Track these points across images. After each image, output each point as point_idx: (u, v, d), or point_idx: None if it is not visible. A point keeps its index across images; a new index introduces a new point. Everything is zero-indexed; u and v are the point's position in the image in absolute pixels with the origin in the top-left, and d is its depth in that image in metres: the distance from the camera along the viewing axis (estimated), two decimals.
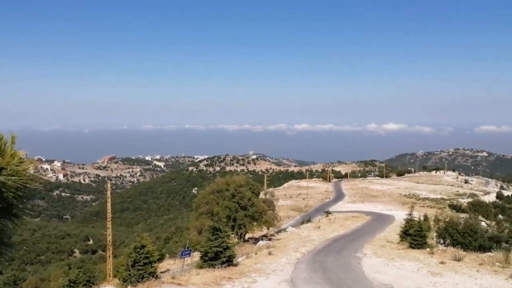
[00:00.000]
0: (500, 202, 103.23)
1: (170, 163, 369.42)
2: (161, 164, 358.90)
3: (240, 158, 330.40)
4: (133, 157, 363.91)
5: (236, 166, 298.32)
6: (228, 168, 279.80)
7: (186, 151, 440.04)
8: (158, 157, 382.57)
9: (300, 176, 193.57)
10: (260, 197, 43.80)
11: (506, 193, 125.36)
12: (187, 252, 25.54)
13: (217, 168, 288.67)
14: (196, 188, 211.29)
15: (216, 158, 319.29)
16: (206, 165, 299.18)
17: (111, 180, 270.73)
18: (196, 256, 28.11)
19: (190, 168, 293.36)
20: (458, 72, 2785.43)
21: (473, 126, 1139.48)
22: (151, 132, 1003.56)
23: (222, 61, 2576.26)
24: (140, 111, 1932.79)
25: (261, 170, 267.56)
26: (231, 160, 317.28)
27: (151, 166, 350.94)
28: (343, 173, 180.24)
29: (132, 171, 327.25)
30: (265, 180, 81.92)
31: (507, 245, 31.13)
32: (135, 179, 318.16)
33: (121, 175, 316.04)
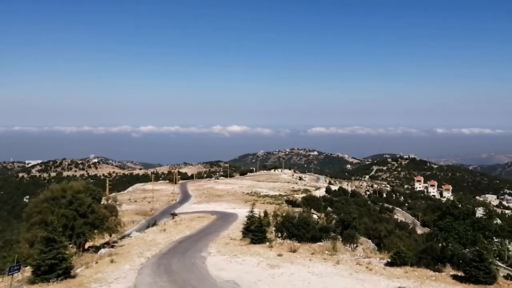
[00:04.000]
0: (329, 196, 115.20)
1: None
2: None
3: (79, 162, 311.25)
4: None
5: (75, 171, 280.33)
6: (65, 173, 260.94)
7: (15, 155, 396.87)
8: None
9: (145, 179, 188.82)
10: (102, 202, 41.48)
11: (333, 187, 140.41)
12: (16, 268, 22.89)
13: (53, 174, 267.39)
14: (28, 197, 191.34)
15: (51, 162, 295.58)
16: (39, 171, 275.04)
17: None
18: (28, 271, 25.41)
19: (20, 175, 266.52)
20: (293, 80, 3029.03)
21: (307, 128, 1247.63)
22: None
23: (56, 55, 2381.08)
24: None
25: (103, 174, 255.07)
26: (69, 165, 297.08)
27: None
28: (190, 174, 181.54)
29: None
30: (107, 184, 77.96)
31: (335, 234, 34.80)
32: None
33: None
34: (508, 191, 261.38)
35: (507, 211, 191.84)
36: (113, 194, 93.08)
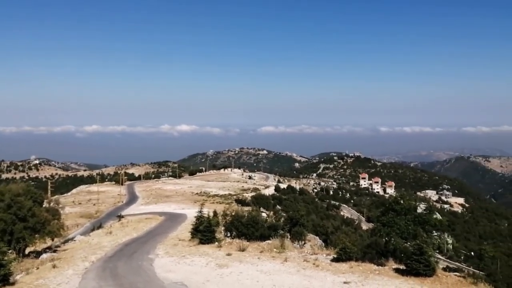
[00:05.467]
0: (277, 194, 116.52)
1: None
2: None
3: (19, 164, 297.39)
4: None
5: (15, 173, 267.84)
6: (4, 176, 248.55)
7: None
8: None
9: (90, 180, 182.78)
10: (43, 206, 39.81)
11: (282, 186, 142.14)
12: None
13: None
14: None
15: None
16: None
17: None
18: None
19: None
20: (242, 79, 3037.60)
21: (256, 127, 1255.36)
22: None
23: None
24: None
25: (45, 176, 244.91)
26: (8, 167, 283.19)
27: None
28: (137, 175, 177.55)
29: None
30: (49, 187, 74.88)
31: (283, 232, 35.19)
32: None
33: None
34: (446, 187, 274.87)
35: (445, 206, 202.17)
36: (56, 196, 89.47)
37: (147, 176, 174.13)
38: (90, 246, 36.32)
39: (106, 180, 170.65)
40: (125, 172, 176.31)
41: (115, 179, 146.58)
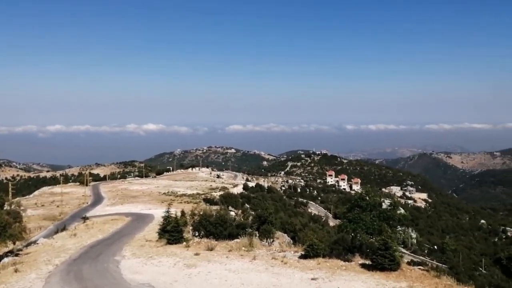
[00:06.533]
0: (246, 192, 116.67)
1: None
2: None
3: None
4: None
5: None
6: None
7: None
8: None
9: (54, 181, 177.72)
10: (4, 208, 38.55)
11: (250, 184, 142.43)
12: None
13: None
14: None
15: None
16: None
17: None
18: None
19: None
20: (210, 77, 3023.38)
21: (224, 126, 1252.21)
22: None
23: None
24: None
25: (6, 178, 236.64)
26: None
27: None
28: (102, 175, 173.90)
29: None
30: (10, 189, 72.50)
31: (251, 230, 35.27)
32: None
33: None
34: (410, 183, 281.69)
35: (409, 201, 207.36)
36: (17, 199, 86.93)
37: (113, 177, 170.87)
38: (53, 249, 35.38)
39: (70, 181, 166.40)
40: (90, 173, 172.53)
41: (80, 179, 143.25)
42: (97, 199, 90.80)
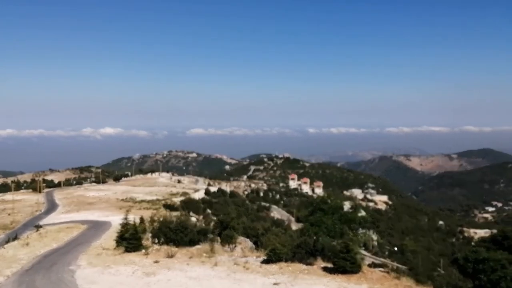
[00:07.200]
0: (208, 197, 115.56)
1: None
2: None
3: None
4: None
5: None
6: None
7: None
8: None
9: (4, 189, 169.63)
10: None
11: (212, 189, 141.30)
12: None
13: None
14: None
15: None
16: None
17: None
18: None
19: None
20: (170, 80, 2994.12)
21: (185, 129, 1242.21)
22: None
23: None
24: None
25: None
26: None
27: None
28: (57, 182, 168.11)
29: None
30: None
31: (213, 236, 34.73)
32: None
33: None
34: (371, 185, 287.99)
35: (370, 204, 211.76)
36: None
37: (68, 183, 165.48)
38: (4, 259, 33.60)
39: (22, 187, 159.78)
40: (43, 179, 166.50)
41: (33, 186, 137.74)
42: (51, 207, 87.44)
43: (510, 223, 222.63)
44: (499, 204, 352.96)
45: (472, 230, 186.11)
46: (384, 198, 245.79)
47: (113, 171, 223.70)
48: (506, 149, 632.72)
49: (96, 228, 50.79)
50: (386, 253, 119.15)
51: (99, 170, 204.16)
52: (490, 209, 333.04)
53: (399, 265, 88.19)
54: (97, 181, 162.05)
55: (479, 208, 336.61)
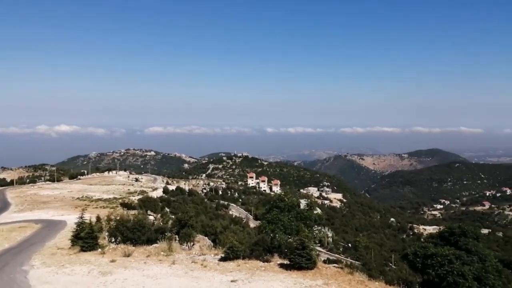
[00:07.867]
0: (166, 196, 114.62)
1: None
2: None
3: None
4: None
5: None
6: None
7: None
8: None
9: None
10: None
11: (171, 187, 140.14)
12: None
13: None
14: None
15: None
16: None
17: None
18: None
19: None
20: (129, 78, 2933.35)
21: (143, 128, 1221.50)
22: None
23: None
24: None
25: None
26: None
27: None
28: (9, 180, 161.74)
29: None
30: None
31: (171, 234, 34.70)
32: None
33: None
34: (326, 184, 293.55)
35: (326, 202, 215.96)
36: None
37: (21, 181, 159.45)
38: None
39: None
40: None
41: None
42: (3, 206, 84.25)
43: (457, 219, 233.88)
44: (447, 202, 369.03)
45: (421, 227, 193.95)
46: (339, 196, 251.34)
47: (68, 170, 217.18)
48: (453, 149, 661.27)
49: (50, 227, 49.52)
50: (341, 249, 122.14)
51: (54, 169, 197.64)
52: (439, 206, 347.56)
53: (353, 261, 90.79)
54: (52, 180, 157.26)
55: (428, 205, 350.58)
